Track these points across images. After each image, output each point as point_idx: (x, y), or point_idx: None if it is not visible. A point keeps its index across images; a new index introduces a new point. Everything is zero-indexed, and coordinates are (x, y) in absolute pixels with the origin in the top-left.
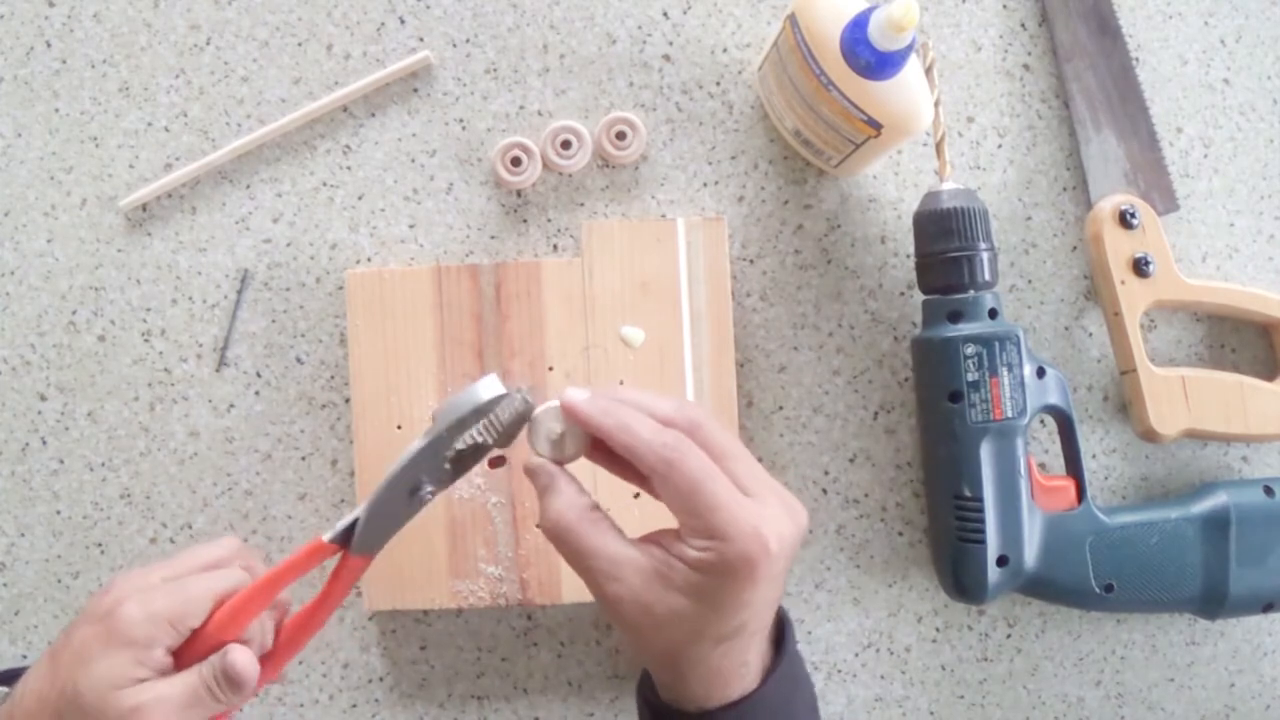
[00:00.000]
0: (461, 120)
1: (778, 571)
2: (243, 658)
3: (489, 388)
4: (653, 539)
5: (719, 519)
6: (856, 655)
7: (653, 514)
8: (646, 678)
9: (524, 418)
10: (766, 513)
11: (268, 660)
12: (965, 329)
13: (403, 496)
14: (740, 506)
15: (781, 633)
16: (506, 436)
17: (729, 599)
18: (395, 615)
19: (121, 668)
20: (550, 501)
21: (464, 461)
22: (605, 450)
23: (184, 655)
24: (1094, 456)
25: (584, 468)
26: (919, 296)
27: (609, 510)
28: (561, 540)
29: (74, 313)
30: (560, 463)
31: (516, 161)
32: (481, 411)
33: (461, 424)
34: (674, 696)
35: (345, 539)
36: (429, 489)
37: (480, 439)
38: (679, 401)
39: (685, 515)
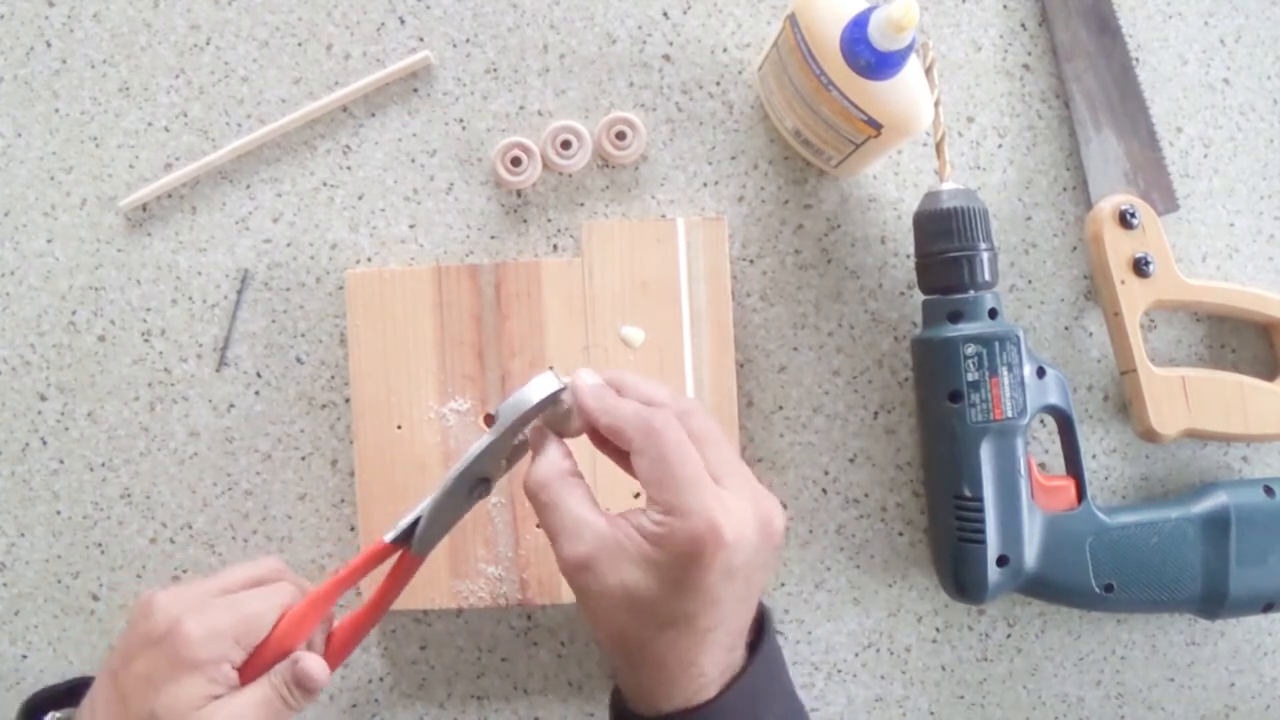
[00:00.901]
0: (461, 120)
1: (735, 566)
2: (314, 664)
3: (548, 384)
4: (622, 513)
5: (677, 495)
6: (856, 655)
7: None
8: (618, 689)
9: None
10: (730, 503)
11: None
12: (965, 329)
13: (463, 494)
14: (703, 489)
15: (759, 639)
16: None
17: (675, 580)
18: (395, 615)
19: (194, 689)
20: (536, 462)
21: (516, 454)
22: (602, 435)
23: (246, 668)
24: (1094, 456)
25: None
26: (919, 296)
27: (608, 510)
28: (536, 496)
29: (74, 313)
30: (561, 435)
31: (516, 161)
32: (543, 406)
33: (524, 420)
34: (629, 693)
35: (405, 538)
36: (485, 485)
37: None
38: (677, 393)
39: (650, 488)
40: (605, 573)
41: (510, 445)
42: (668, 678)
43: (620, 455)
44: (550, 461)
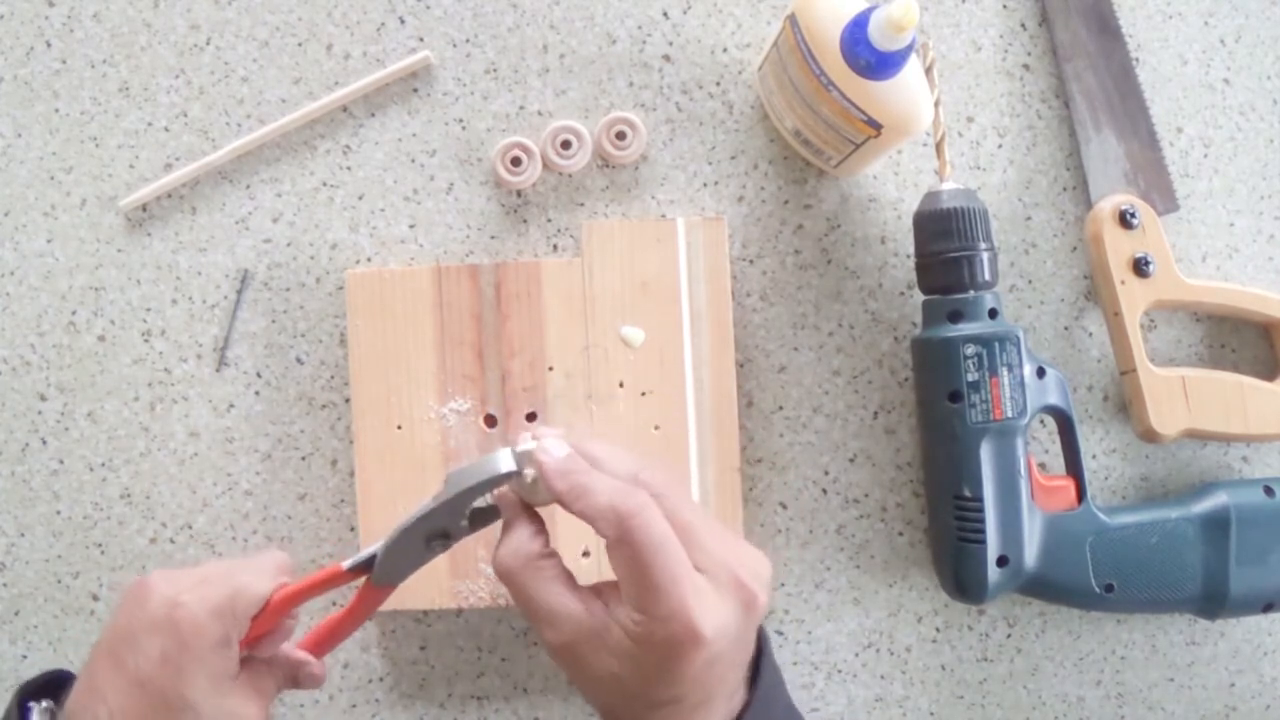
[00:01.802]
0: (461, 120)
1: (717, 654)
2: (317, 670)
3: (503, 462)
4: (601, 591)
5: (654, 600)
6: (856, 655)
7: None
8: None
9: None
10: (711, 599)
11: None
12: (965, 329)
13: (419, 544)
14: (682, 590)
15: (756, 671)
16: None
17: (657, 674)
18: (395, 615)
19: (215, 667)
20: (502, 544)
21: (484, 517)
22: None
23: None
24: (1094, 456)
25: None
26: (919, 296)
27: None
28: (506, 584)
29: (74, 313)
30: (532, 504)
31: (516, 161)
32: (488, 487)
33: (471, 492)
34: None
35: (365, 568)
36: (442, 541)
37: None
38: (653, 467)
39: (624, 585)
40: (588, 659)
41: (465, 509)
42: None
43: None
44: (516, 545)
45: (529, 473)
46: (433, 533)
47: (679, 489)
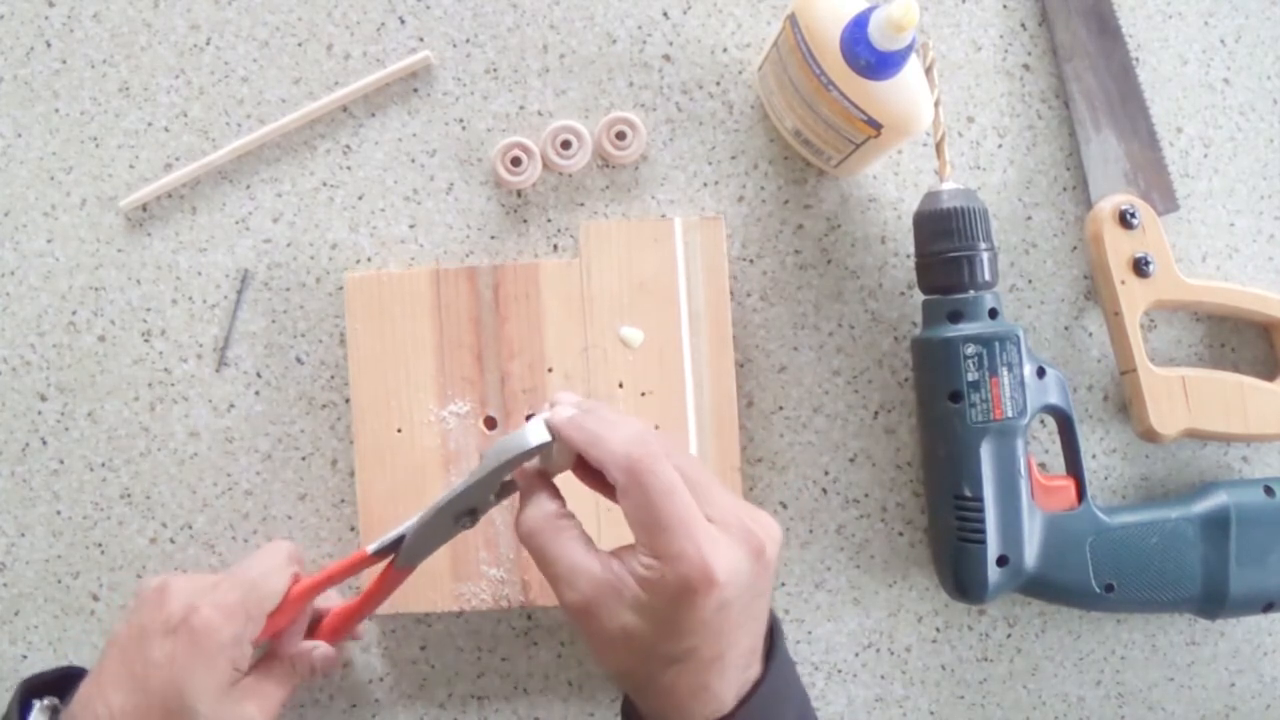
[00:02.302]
0: (461, 120)
1: (730, 599)
2: (329, 652)
3: (536, 434)
4: (618, 552)
5: (666, 540)
6: (856, 655)
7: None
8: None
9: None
10: (722, 542)
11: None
12: (965, 329)
13: (448, 522)
14: (693, 530)
15: (770, 650)
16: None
17: (672, 622)
18: (395, 615)
19: (221, 673)
20: (525, 508)
21: (506, 490)
22: (587, 467)
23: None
24: (1094, 456)
25: None
26: (919, 296)
27: (609, 511)
28: (529, 544)
29: (74, 313)
30: (547, 473)
31: (516, 161)
32: (531, 454)
33: (508, 466)
34: (642, 709)
35: (390, 550)
36: (470, 517)
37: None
38: (656, 432)
39: (636, 530)
40: (604, 617)
41: (498, 482)
42: (679, 703)
43: (605, 487)
44: (538, 507)
45: (545, 440)
46: (461, 510)
47: (686, 451)
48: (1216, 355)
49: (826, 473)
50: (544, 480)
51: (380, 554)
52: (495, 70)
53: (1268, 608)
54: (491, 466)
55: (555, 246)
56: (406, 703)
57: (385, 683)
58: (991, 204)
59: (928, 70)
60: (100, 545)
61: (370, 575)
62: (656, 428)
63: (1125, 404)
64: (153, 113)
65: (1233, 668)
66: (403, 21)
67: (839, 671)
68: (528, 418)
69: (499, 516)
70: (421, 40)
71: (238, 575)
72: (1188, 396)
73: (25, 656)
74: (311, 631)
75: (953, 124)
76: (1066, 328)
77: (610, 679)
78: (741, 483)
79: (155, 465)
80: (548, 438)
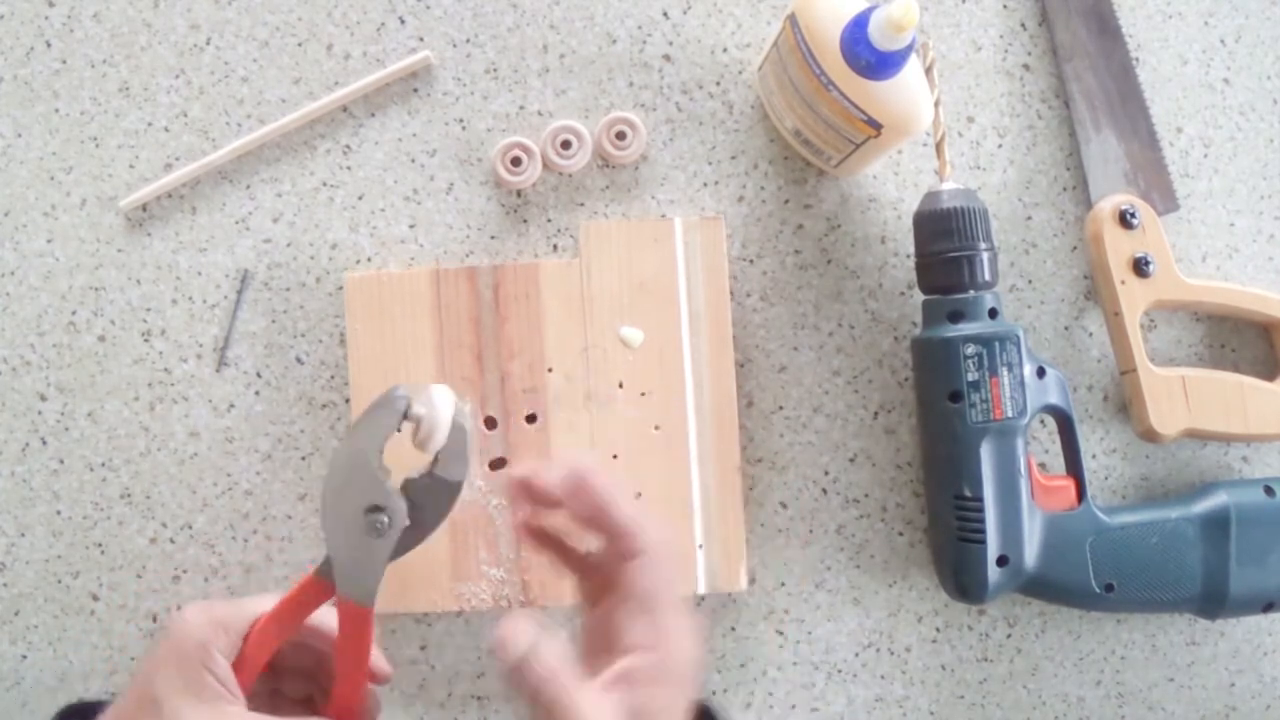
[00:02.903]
0: (461, 120)
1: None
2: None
3: (443, 401)
4: (613, 684)
5: (669, 619)
6: (856, 655)
7: (653, 511)
8: None
9: (456, 429)
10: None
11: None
12: (965, 329)
13: (360, 526)
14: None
15: None
16: (442, 454)
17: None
18: (395, 615)
19: (192, 672)
20: (529, 659)
21: (423, 493)
22: (541, 532)
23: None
24: (1094, 456)
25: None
26: (919, 296)
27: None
28: (537, 695)
29: (74, 313)
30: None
31: (516, 161)
32: (380, 411)
33: (362, 430)
34: None
35: (327, 573)
36: (382, 518)
37: (422, 471)
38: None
39: (640, 612)
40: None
41: (387, 473)
42: None
43: (559, 551)
44: (552, 650)
45: (419, 410)
46: (361, 508)
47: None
48: (1216, 355)
49: (826, 473)
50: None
51: (322, 575)
52: (495, 70)
53: (1268, 608)
54: (344, 448)
55: (555, 246)
56: (406, 702)
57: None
58: (991, 204)
59: (928, 70)
60: (100, 545)
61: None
62: (656, 428)
63: (1125, 404)
64: (153, 113)
65: (1233, 668)
66: (403, 21)
67: (839, 671)
68: (528, 418)
69: (499, 517)
70: (421, 40)
71: (236, 598)
72: (1188, 396)
73: (25, 656)
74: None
75: (953, 124)
76: (1066, 328)
77: None
78: (741, 483)
79: (155, 465)
80: (399, 394)
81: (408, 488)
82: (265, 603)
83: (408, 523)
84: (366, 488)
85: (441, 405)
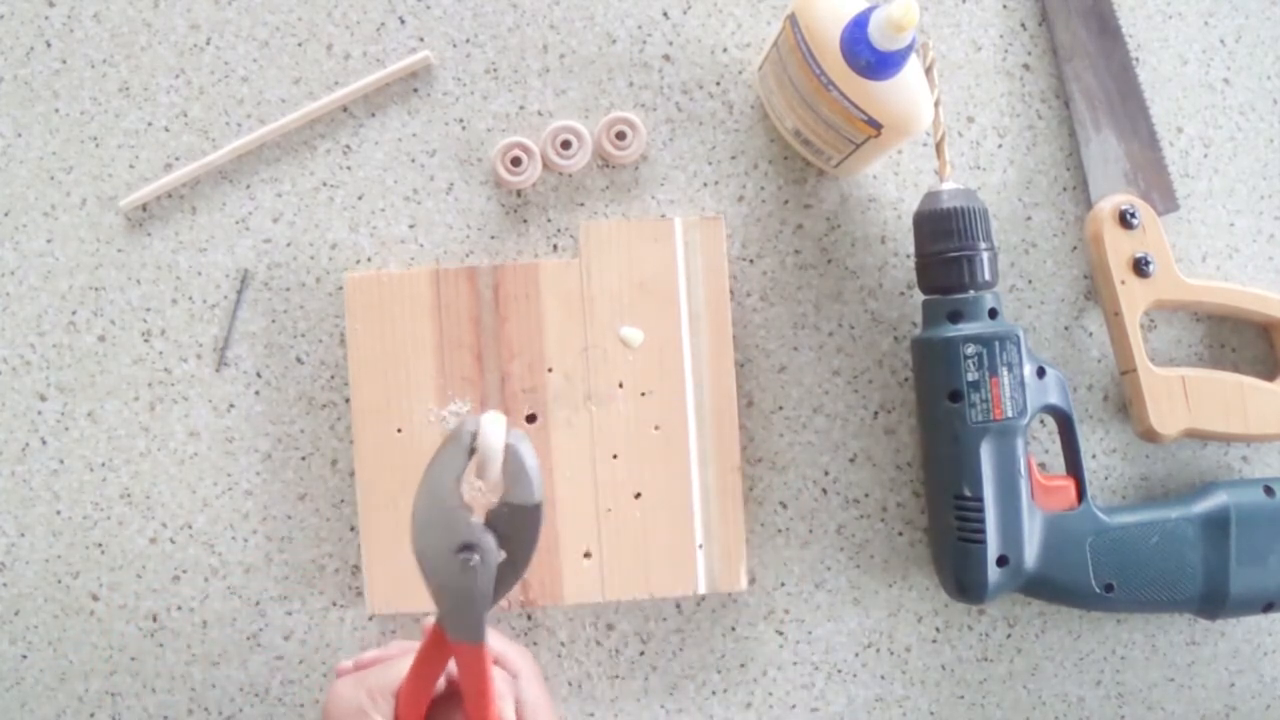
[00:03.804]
0: (461, 120)
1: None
2: None
3: (496, 432)
4: None
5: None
6: (856, 655)
7: (653, 511)
8: None
9: (511, 452)
10: None
11: None
12: (965, 329)
13: (451, 562)
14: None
15: None
16: (505, 479)
17: None
18: (396, 615)
19: None
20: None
21: (506, 522)
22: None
23: None
24: (1094, 456)
25: (585, 467)
26: (919, 296)
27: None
28: None
29: (74, 313)
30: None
31: (516, 161)
32: (447, 449)
33: (434, 471)
34: None
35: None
36: (474, 556)
37: (499, 493)
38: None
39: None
40: None
41: (465, 508)
42: None
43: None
44: None
45: (469, 433)
46: (451, 547)
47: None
48: (1216, 355)
49: (826, 473)
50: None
51: (441, 623)
52: (495, 70)
53: (1268, 608)
54: (425, 485)
55: (555, 246)
56: None
57: None
58: (991, 204)
59: (928, 70)
60: (100, 545)
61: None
62: (656, 428)
63: (1125, 404)
64: (153, 113)
65: (1233, 668)
66: (403, 21)
67: (839, 671)
68: (529, 418)
69: None
70: (421, 40)
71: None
72: (1188, 396)
73: (25, 656)
74: None
75: (953, 124)
76: (1066, 328)
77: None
78: (741, 482)
79: (155, 465)
80: (473, 426)
81: (491, 520)
82: (404, 663)
83: (502, 555)
84: (450, 528)
85: (491, 431)
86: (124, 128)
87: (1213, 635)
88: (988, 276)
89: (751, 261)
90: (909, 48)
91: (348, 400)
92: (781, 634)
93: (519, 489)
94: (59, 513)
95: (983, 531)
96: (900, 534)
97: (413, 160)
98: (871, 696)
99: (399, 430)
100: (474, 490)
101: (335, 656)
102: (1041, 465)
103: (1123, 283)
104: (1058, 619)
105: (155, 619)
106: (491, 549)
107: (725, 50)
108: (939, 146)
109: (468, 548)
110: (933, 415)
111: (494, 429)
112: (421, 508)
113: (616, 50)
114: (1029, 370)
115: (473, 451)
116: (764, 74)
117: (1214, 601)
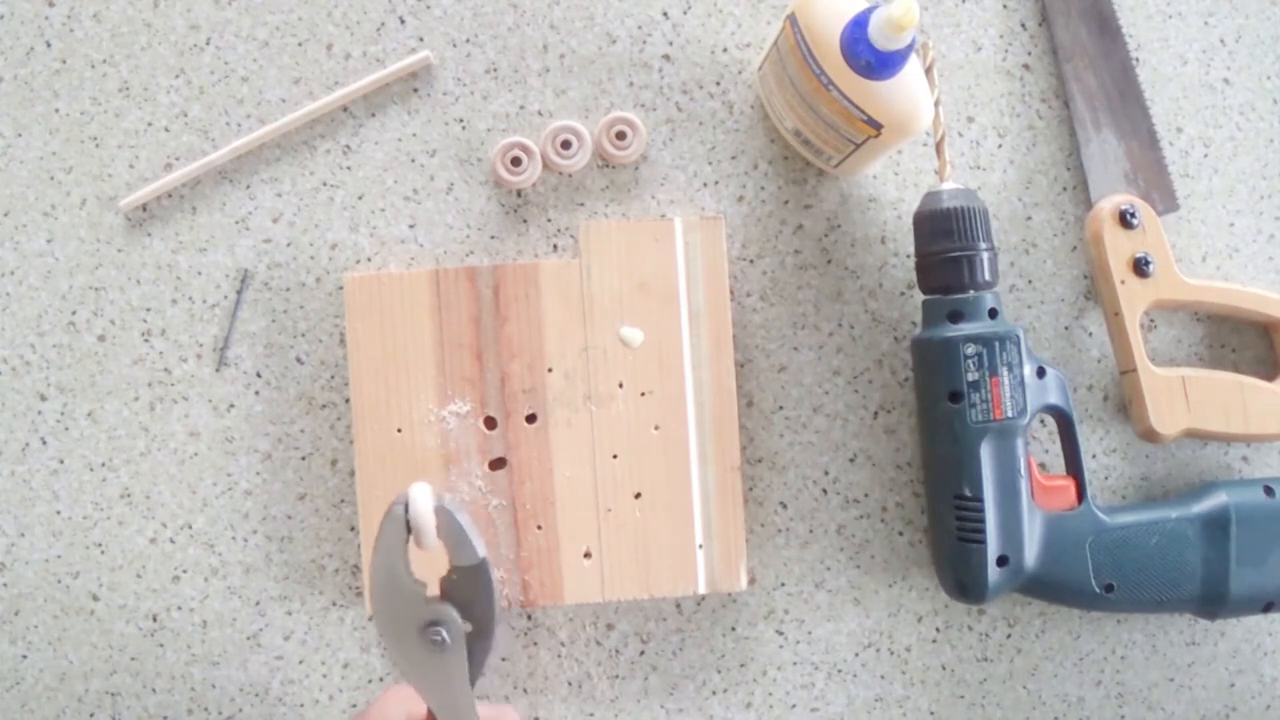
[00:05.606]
0: (461, 120)
1: None
2: None
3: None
4: None
5: None
6: (856, 655)
7: (653, 511)
8: None
9: (443, 514)
10: None
11: None
12: (965, 329)
13: (416, 646)
14: None
15: None
16: (446, 545)
17: None
18: None
19: None
20: None
21: (460, 589)
22: None
23: None
24: (1094, 456)
25: (585, 467)
26: (919, 296)
27: (609, 511)
28: None
29: (74, 313)
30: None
31: (516, 161)
32: (386, 527)
33: (379, 553)
34: None
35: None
36: (439, 631)
37: (447, 569)
38: None
39: None
40: None
41: (414, 579)
42: None
43: None
44: None
45: (401, 505)
46: (421, 625)
47: None
48: (1216, 355)
49: (826, 473)
50: None
51: (434, 716)
52: (495, 70)
53: (1268, 608)
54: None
55: (555, 246)
56: None
57: (385, 683)
58: (991, 204)
59: (928, 70)
60: (100, 545)
61: None
62: (656, 428)
63: (1125, 404)
64: (153, 113)
65: (1233, 668)
66: (403, 21)
67: (839, 671)
68: (528, 418)
69: (499, 517)
70: (421, 40)
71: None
72: (1188, 396)
73: (25, 656)
74: None
75: (953, 124)
76: (1066, 328)
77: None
78: (741, 483)
79: (155, 465)
80: (401, 501)
81: (447, 590)
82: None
83: (468, 626)
84: (410, 608)
85: (419, 499)
86: (124, 128)
87: (1213, 635)
88: (988, 276)
89: (751, 261)
90: (909, 48)
91: (348, 400)
92: (781, 634)
93: (460, 551)
94: (59, 513)
95: (983, 531)
96: (900, 534)
97: (413, 160)
98: (871, 696)
99: (399, 430)
100: (422, 564)
101: (335, 656)
102: (1041, 465)
103: (1123, 283)
104: (1058, 619)
105: (155, 619)
106: (454, 619)
107: (725, 50)
108: (939, 146)
109: (432, 624)
110: (933, 415)
111: (421, 497)
112: (379, 597)
113: (616, 50)
114: (1029, 370)
115: (408, 524)
116: (764, 74)
117: (1214, 601)
